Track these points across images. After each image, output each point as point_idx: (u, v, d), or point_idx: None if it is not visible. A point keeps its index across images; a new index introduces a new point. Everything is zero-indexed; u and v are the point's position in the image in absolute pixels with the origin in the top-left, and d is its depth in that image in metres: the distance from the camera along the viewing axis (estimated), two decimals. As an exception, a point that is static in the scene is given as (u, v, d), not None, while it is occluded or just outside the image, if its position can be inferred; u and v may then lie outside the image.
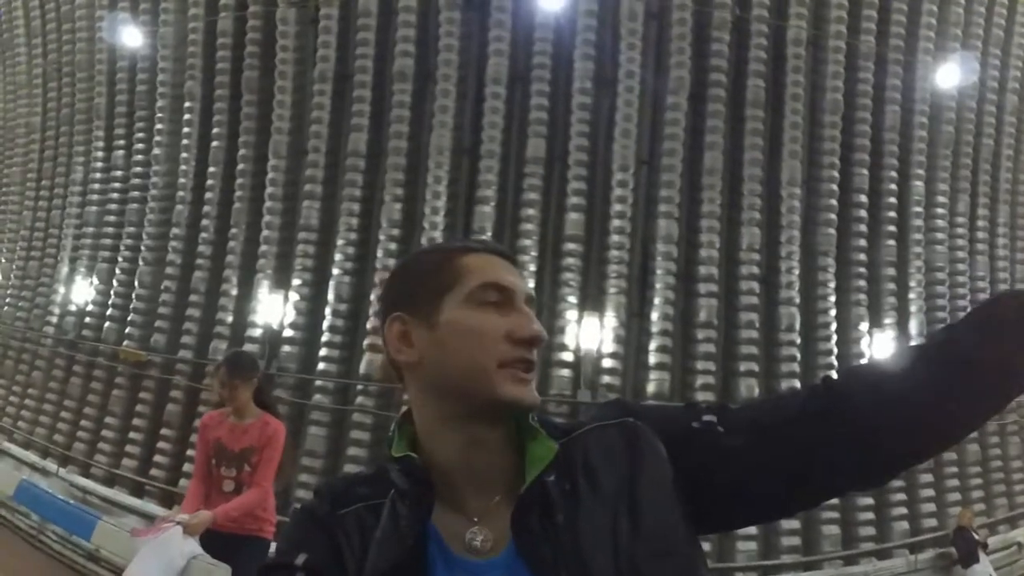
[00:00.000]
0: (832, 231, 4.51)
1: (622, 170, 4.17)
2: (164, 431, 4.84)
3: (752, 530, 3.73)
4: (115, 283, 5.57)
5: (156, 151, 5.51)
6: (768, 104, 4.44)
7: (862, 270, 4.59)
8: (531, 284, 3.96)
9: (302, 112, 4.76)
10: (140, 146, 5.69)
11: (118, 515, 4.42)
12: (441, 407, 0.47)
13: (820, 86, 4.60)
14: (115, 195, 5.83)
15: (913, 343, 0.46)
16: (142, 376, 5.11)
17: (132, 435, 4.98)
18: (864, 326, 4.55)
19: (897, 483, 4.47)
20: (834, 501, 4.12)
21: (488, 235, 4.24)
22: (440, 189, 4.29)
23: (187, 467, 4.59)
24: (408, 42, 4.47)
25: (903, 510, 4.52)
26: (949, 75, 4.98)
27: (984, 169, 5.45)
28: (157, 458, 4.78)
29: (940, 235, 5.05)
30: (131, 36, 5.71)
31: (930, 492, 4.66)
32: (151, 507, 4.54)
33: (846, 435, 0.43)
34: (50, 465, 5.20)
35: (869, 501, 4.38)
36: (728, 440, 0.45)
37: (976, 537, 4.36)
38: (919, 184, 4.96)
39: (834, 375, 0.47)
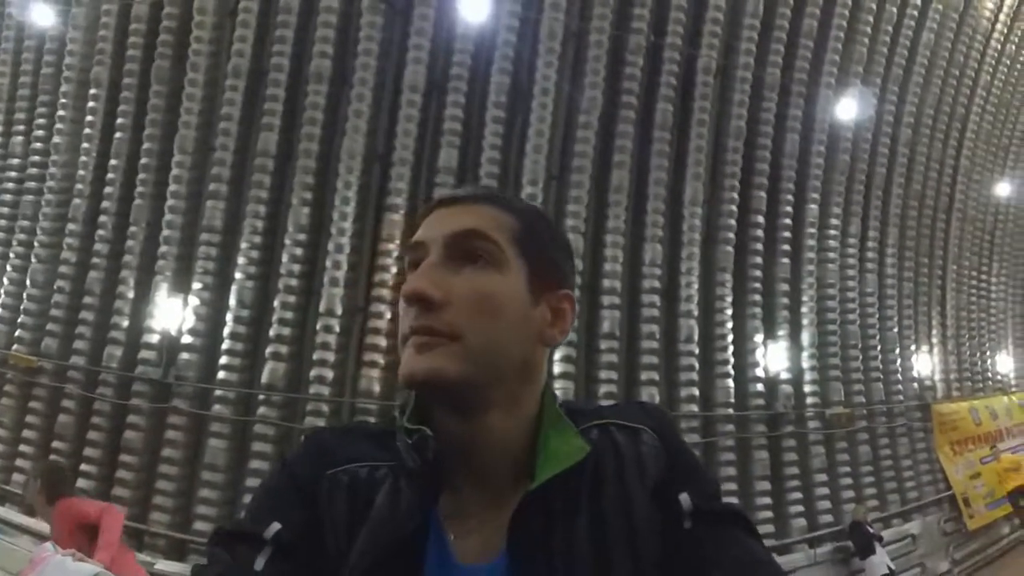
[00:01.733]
0: (730, 248, 4.78)
1: (532, 184, 4.26)
2: (56, 444, 4.47)
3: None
4: (5, 281, 5.11)
5: (56, 139, 5.12)
6: (675, 127, 4.66)
7: (758, 285, 4.91)
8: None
9: (212, 107, 4.55)
10: (40, 133, 5.26)
11: (12, 535, 4.03)
12: None
13: (725, 112, 4.89)
14: (10, 184, 5.35)
15: None
16: (32, 384, 4.70)
17: (22, 448, 4.56)
18: (759, 338, 4.84)
19: (793, 482, 4.80)
20: (733, 501, 4.37)
21: (396, 243, 4.21)
22: (350, 195, 4.21)
23: (82, 483, 4.26)
24: (327, 43, 4.38)
25: (800, 508, 4.82)
26: (848, 107, 5.43)
27: (876, 195, 5.97)
28: None
29: (832, 254, 5.48)
30: (41, 14, 5.30)
31: (825, 490, 5.00)
32: (44, 526, 4.14)
33: None
34: (-63, 485, 4.68)
35: (767, 500, 4.65)
36: (681, 536, 0.40)
37: (871, 531, 4.71)
38: (814, 207, 5.37)
39: None
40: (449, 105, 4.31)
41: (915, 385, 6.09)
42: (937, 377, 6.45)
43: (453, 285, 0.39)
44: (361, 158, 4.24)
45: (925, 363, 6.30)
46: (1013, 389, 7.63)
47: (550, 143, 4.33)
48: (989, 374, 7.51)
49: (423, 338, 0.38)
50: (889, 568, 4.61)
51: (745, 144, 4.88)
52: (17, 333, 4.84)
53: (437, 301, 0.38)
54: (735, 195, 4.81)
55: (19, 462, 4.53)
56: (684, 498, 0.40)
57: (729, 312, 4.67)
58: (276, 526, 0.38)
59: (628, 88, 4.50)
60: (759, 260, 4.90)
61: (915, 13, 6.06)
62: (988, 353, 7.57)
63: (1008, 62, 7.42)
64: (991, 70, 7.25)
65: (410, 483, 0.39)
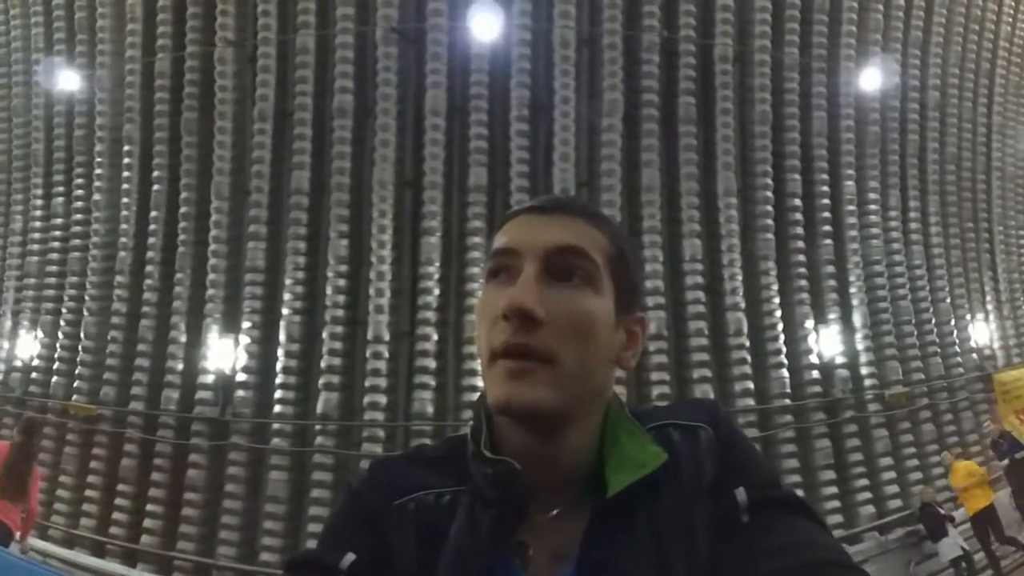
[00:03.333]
0: (770, 236, 4.68)
1: (563, 193, 4.26)
2: (121, 487, 4.64)
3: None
4: (60, 335, 5.35)
5: (96, 197, 5.36)
6: (699, 120, 4.62)
7: (803, 271, 4.77)
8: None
9: (243, 152, 4.70)
10: (80, 192, 5.52)
11: None
12: None
13: (748, 99, 4.82)
14: (56, 244, 5.62)
15: None
16: (94, 431, 4.89)
17: (88, 493, 4.75)
18: (809, 324, 4.71)
19: (857, 469, 4.63)
20: (798, 493, 4.23)
21: (436, 266, 4.25)
22: (385, 223, 4.29)
23: (148, 523, 4.42)
24: (346, 78, 4.49)
25: (867, 495, 4.66)
26: (871, 78, 5.28)
27: (912, 164, 5.75)
28: (116, 515, 4.57)
29: (874, 230, 5.30)
30: (67, 80, 5.58)
31: (891, 474, 4.82)
32: (113, 567, 4.33)
33: None
34: (4, 531, 4.91)
35: (833, 490, 4.50)
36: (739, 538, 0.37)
37: (941, 512, 4.52)
38: (850, 184, 5.21)
39: None
40: (472, 125, 4.37)
41: (974, 356, 5.80)
42: (996, 345, 6.13)
43: (552, 303, 0.37)
44: (392, 186, 4.33)
45: (982, 331, 5.98)
46: (1076, 348, 7.22)
47: (576, 150, 4.34)
48: (1050, 335, 7.17)
49: (519, 363, 0.36)
50: (963, 549, 4.42)
51: (772, 128, 4.78)
52: (76, 384, 5.05)
53: (541, 320, 0.36)
54: (769, 181, 4.71)
55: (85, 507, 4.71)
56: (740, 492, 0.39)
57: (776, 301, 4.55)
58: (351, 556, 0.38)
59: (647, 86, 4.48)
60: (801, 244, 4.77)
61: (927, -29, 5.92)
62: (1047, 313, 7.21)
63: (1028, 9, 7.12)
64: (1011, 19, 6.96)
65: (490, 512, 0.38)
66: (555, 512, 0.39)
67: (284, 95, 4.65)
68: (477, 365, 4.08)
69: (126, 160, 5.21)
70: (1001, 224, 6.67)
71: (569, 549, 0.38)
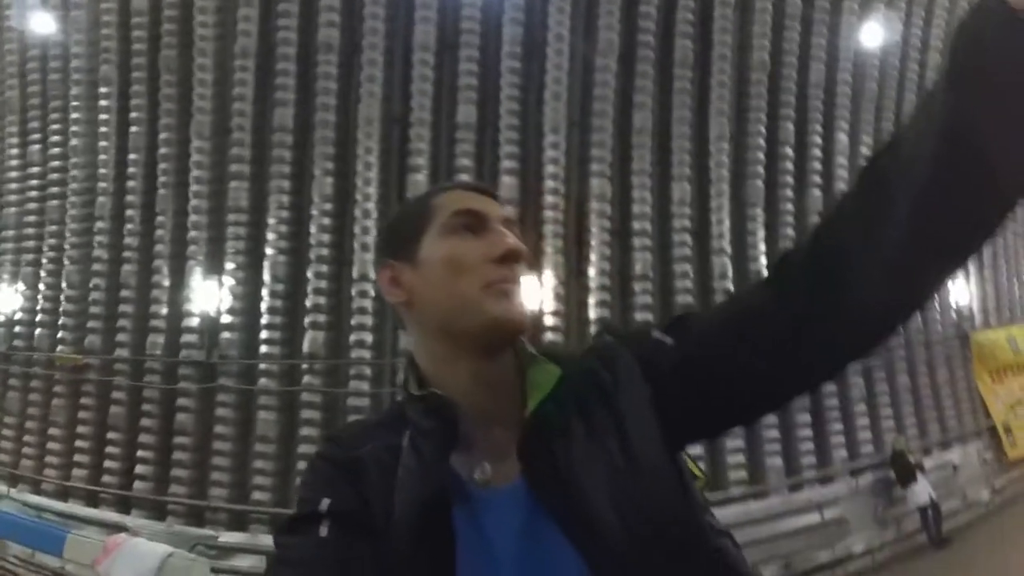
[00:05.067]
0: (760, 183, 4.68)
1: (553, 132, 4.20)
2: (111, 435, 4.64)
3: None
4: (42, 286, 5.25)
5: (73, 142, 5.18)
6: (696, 64, 4.53)
7: (790, 219, 4.80)
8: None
9: (224, 90, 4.54)
10: (56, 138, 5.33)
11: (79, 528, 4.24)
12: (439, 344, 0.47)
13: (747, 45, 4.73)
14: (33, 193, 5.45)
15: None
16: (81, 380, 4.85)
17: (79, 443, 4.75)
18: (794, 273, 4.77)
19: (834, 414, 4.76)
20: (775, 435, 4.42)
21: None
22: (372, 160, 4.20)
23: (140, 469, 4.44)
24: (333, 12, 4.32)
25: (841, 439, 4.80)
26: (873, 34, 5.22)
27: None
28: (108, 464, 4.58)
29: (864, 185, 5.37)
30: (41, 22, 5.32)
31: (865, 421, 4.97)
32: (108, 515, 4.37)
33: (802, 313, 0.39)
34: (-1, 487, 4.93)
35: (808, 433, 4.64)
36: (683, 351, 0.45)
37: (912, 460, 4.68)
38: (843, 136, 5.20)
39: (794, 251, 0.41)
40: (463, 61, 4.24)
41: (953, 314, 5.95)
42: (975, 306, 6.27)
43: None
44: (379, 123, 4.22)
45: (962, 292, 6.11)
46: (1053, 317, 7.42)
47: (569, 90, 4.25)
48: (1027, 301, 7.34)
49: (515, 288, 0.47)
50: (930, 497, 4.60)
51: (769, 77, 4.72)
52: (60, 335, 4.98)
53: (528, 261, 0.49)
54: (762, 128, 4.68)
55: (77, 457, 4.71)
56: (655, 332, 0.47)
57: (762, 248, 4.59)
58: (327, 501, 0.44)
59: (644, 27, 4.37)
60: (790, 194, 4.78)
61: (936, -73, 5.80)
62: (1025, 280, 7.38)
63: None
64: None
65: (428, 441, 0.45)
66: (499, 430, 0.45)
67: (267, 30, 4.47)
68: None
69: (103, 102, 5.02)
70: (988, 190, 6.75)
71: (512, 464, 0.44)
